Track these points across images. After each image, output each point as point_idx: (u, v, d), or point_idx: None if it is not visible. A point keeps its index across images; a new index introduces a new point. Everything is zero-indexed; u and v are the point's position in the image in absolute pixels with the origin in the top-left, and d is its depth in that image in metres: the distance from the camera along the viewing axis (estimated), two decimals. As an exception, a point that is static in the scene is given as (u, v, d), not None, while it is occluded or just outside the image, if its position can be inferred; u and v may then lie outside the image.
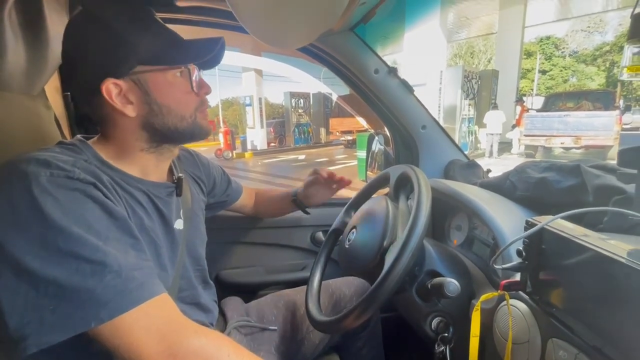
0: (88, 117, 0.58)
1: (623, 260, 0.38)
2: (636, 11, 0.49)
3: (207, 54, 0.57)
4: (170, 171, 0.68)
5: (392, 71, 1.08)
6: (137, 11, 0.56)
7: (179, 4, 0.90)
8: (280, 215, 1.11)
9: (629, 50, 0.52)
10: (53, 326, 0.39)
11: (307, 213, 1.03)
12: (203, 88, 0.61)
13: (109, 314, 0.40)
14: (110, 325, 0.41)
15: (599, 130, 7.28)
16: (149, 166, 0.60)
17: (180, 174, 0.68)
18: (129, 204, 0.53)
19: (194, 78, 0.59)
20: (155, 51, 0.54)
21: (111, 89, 0.52)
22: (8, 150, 0.56)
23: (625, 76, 0.53)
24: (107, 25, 0.52)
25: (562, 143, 7.84)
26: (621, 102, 8.66)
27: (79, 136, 0.56)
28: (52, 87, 0.85)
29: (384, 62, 1.08)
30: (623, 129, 7.58)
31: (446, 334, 0.70)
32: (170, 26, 0.59)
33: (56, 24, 0.69)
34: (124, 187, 0.54)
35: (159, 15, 0.58)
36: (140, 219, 0.55)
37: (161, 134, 0.58)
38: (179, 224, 0.65)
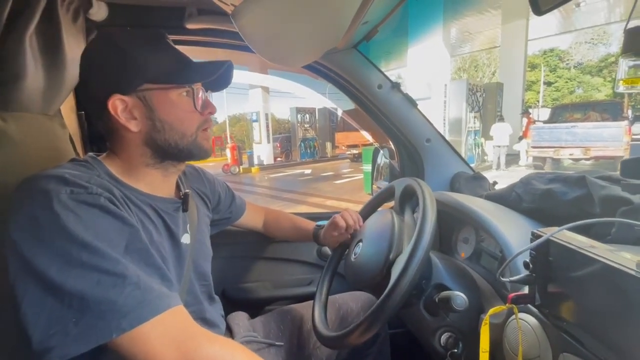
0: (100, 135, 0.61)
1: (632, 272, 0.37)
2: (628, 27, 0.51)
3: (211, 76, 0.59)
4: (177, 187, 0.70)
5: (395, 86, 1.10)
6: (149, 33, 0.60)
7: (189, 26, 0.95)
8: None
9: (624, 63, 0.53)
10: (76, 337, 0.40)
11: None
12: (207, 108, 0.63)
13: (129, 323, 0.42)
14: (130, 335, 0.42)
15: (607, 141, 7.20)
16: (155, 182, 0.62)
17: (187, 190, 0.70)
18: (140, 218, 0.55)
19: (199, 97, 0.61)
20: (162, 71, 0.57)
21: (117, 104, 0.55)
22: (26, 167, 0.58)
23: (621, 89, 0.54)
24: (118, 46, 0.56)
25: (570, 154, 7.75)
26: (630, 112, 8.57)
27: (90, 154, 0.59)
28: (68, 107, 0.89)
29: (387, 77, 1.10)
30: (633, 139, 7.48)
31: (456, 350, 0.68)
32: (180, 48, 0.62)
33: (73, 48, 0.72)
34: (134, 201, 0.56)
35: (170, 38, 0.62)
36: (150, 234, 0.56)
37: (163, 150, 0.60)
38: (185, 239, 0.66)
